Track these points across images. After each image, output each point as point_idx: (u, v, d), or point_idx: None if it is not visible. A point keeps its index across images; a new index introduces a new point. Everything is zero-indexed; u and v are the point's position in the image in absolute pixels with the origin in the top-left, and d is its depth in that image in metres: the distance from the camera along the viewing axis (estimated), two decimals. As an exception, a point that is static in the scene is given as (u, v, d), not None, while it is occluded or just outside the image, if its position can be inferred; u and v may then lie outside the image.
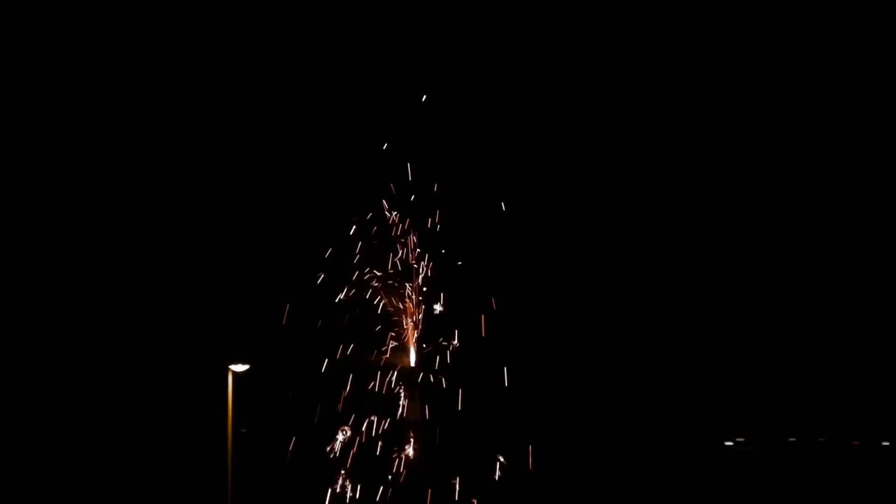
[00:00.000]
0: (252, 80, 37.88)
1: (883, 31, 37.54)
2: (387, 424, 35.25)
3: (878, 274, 38.15)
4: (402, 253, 35.90)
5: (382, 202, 35.75)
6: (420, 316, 35.84)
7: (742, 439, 37.00)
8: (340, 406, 35.00)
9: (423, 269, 35.82)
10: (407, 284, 35.74)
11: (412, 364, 35.90)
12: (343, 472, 34.86)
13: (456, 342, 35.04)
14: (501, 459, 34.58)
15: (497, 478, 34.49)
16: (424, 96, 35.45)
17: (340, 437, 34.90)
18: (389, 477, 34.78)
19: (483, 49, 37.43)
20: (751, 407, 37.45)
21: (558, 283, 38.03)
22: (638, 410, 37.17)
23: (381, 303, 35.85)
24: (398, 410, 35.52)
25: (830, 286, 38.25)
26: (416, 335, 35.91)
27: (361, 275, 35.78)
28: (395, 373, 35.74)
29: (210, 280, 37.76)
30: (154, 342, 37.25)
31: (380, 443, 35.17)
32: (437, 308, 35.25)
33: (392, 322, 35.88)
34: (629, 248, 38.25)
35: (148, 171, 37.96)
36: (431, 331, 35.64)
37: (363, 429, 35.03)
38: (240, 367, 36.52)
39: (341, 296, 35.57)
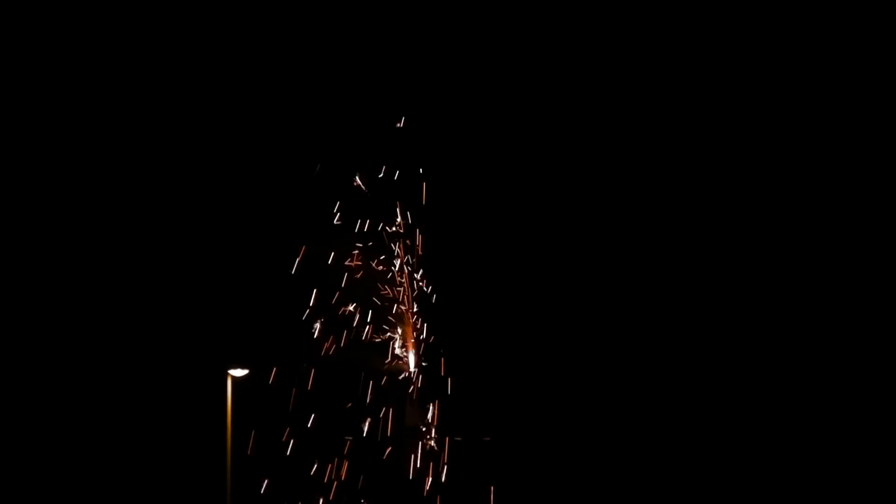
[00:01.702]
0: (254, 84, 37.97)
1: (883, 32, 37.55)
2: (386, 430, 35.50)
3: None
4: (401, 257, 36.05)
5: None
6: (418, 319, 36.00)
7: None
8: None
9: (420, 279, 36.01)
10: (403, 283, 35.93)
11: (411, 369, 35.95)
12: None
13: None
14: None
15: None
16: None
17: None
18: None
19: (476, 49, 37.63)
20: None
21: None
22: None
23: (379, 306, 36.00)
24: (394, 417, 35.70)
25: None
26: (414, 339, 36.04)
27: (360, 277, 35.93)
28: (394, 378, 35.89)
29: (209, 284, 37.86)
30: (152, 346, 37.33)
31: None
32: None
33: (390, 326, 36.03)
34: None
35: (147, 174, 38.05)
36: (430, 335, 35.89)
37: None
38: (239, 372, 36.70)
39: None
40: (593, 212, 37.62)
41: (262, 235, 37.57)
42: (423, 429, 34.84)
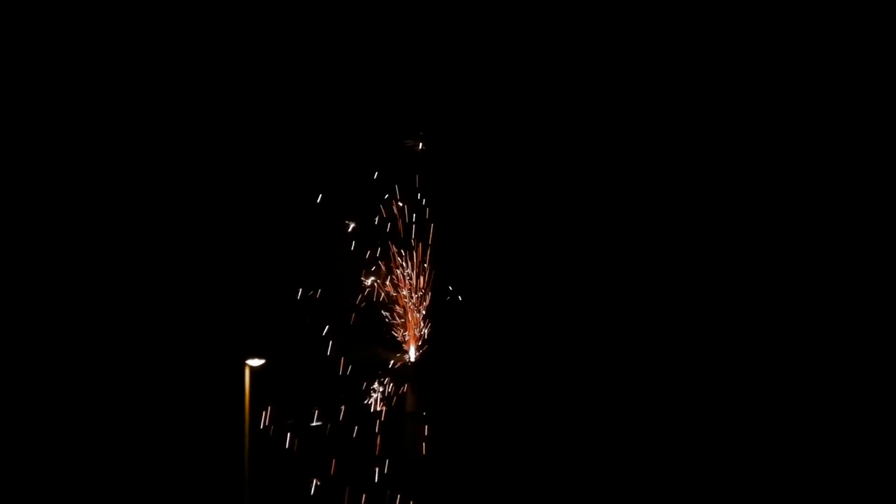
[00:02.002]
0: (259, 83, 38.68)
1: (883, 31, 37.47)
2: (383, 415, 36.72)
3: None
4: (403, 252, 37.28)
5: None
6: (419, 311, 37.15)
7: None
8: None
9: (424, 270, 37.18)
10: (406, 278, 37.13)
11: (411, 359, 37.20)
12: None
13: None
14: None
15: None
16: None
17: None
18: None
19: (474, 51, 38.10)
20: None
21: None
22: None
23: (380, 299, 37.25)
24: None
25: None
26: (415, 330, 37.23)
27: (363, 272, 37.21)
28: (395, 367, 37.16)
29: (225, 274, 38.59)
30: (169, 337, 38.13)
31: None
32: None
33: (391, 317, 37.24)
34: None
35: (161, 167, 38.72)
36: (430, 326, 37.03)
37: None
38: (256, 362, 37.78)
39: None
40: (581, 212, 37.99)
41: (277, 237, 38.47)
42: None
